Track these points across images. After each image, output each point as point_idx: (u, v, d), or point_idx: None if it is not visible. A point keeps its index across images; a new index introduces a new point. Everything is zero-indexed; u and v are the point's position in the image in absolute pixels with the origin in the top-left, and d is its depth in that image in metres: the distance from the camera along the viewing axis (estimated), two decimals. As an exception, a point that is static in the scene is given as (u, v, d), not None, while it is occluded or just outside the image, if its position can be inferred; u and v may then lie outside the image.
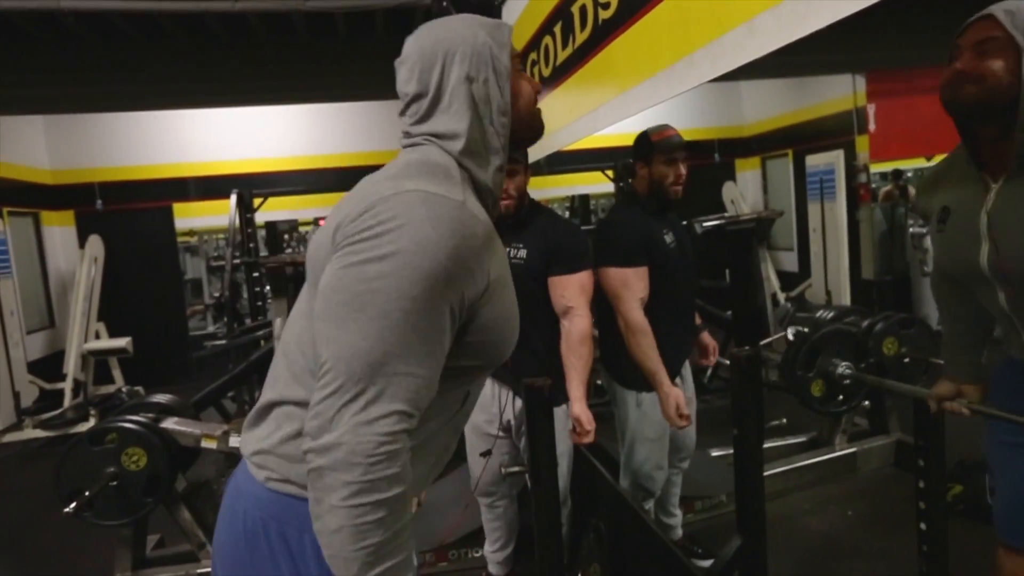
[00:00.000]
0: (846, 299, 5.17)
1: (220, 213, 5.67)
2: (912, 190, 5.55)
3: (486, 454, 1.95)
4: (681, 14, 1.31)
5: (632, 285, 1.91)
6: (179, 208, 6.37)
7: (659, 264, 1.96)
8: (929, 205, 1.32)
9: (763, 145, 7.10)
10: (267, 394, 0.84)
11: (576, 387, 1.80)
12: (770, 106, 6.86)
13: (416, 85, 0.82)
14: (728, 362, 1.87)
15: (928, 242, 5.05)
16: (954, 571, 1.72)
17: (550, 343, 1.87)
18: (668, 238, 2.00)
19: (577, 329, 1.81)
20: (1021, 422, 1.26)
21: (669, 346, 1.95)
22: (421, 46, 0.82)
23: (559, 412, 1.85)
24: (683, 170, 2.00)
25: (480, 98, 0.81)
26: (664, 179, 1.98)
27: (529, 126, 0.89)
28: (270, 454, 0.80)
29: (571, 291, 1.83)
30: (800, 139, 6.40)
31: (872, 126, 5.33)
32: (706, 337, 2.28)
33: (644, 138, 2.02)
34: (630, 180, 2.19)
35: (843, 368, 2.54)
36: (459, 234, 0.71)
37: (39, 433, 4.46)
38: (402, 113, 0.86)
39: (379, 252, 0.69)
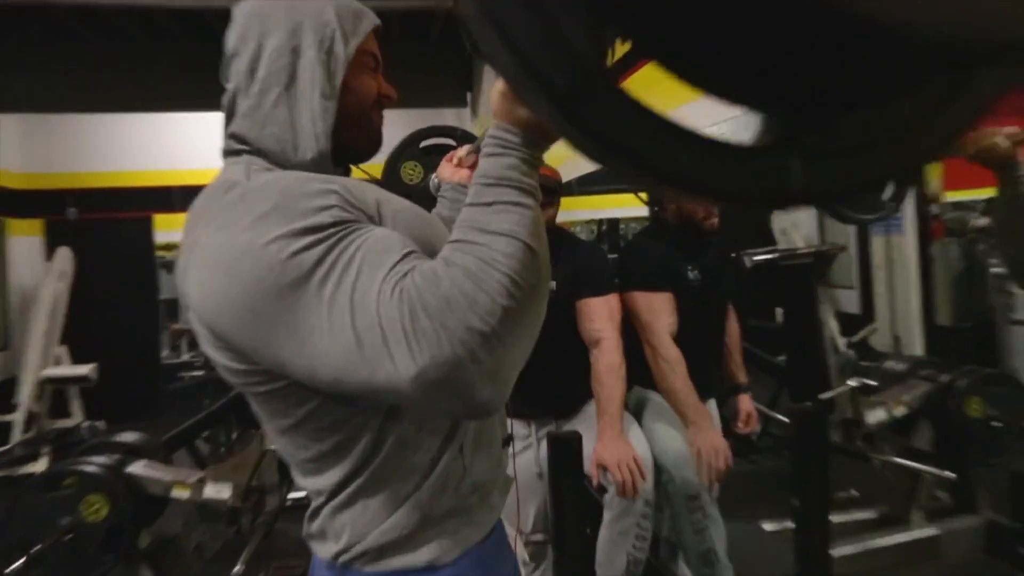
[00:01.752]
0: (917, 347, 5.07)
1: (205, 227, 5.73)
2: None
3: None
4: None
5: (659, 311, 2.00)
6: (160, 220, 6.46)
7: (679, 299, 2.04)
8: None
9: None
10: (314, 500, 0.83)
11: (606, 419, 1.84)
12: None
13: (235, 43, 0.82)
14: (783, 417, 1.84)
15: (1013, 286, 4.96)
16: None
17: (580, 371, 1.95)
18: (691, 274, 2.08)
19: (606, 361, 1.88)
20: None
21: None
22: (255, 3, 0.83)
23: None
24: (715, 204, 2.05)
25: (302, 75, 0.80)
26: (694, 214, 2.07)
27: (357, 128, 0.87)
28: (350, 550, 0.78)
29: (599, 316, 1.92)
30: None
31: (947, 150, 5.30)
32: (745, 401, 2.28)
33: None
34: (659, 212, 2.27)
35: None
36: (259, 195, 0.70)
37: (-16, 471, 4.43)
38: (223, 74, 0.85)
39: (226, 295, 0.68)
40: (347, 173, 0.91)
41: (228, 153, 0.83)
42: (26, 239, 6.13)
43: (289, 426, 0.77)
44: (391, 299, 0.61)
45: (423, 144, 2.00)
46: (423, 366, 0.60)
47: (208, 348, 0.77)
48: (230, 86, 0.83)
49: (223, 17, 3.34)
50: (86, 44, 3.95)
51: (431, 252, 0.70)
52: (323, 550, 0.81)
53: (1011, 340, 5.01)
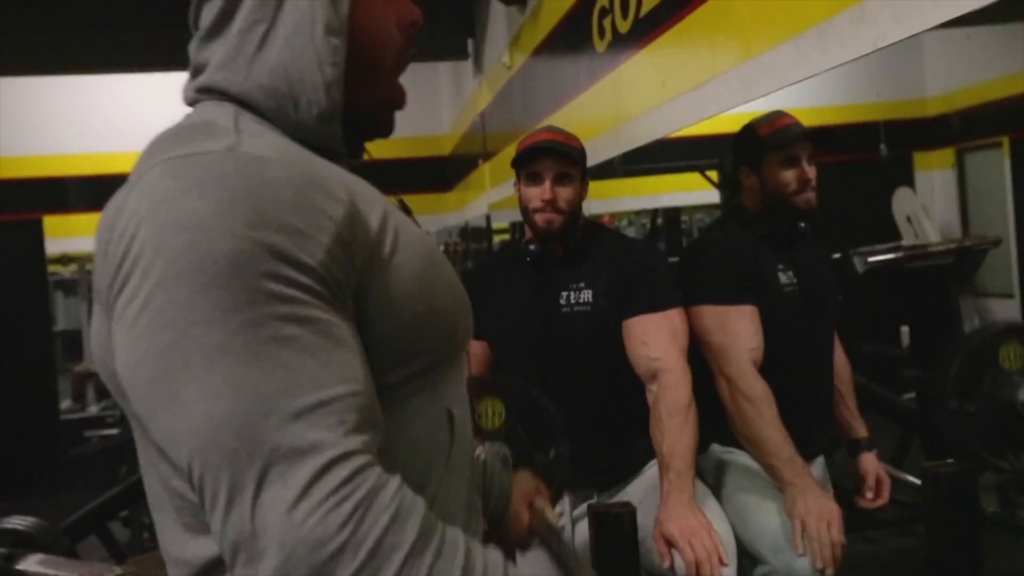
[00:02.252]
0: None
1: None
2: None
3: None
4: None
5: (737, 331, 1.97)
6: (52, 223, 6.53)
7: (771, 314, 2.01)
8: None
9: (960, 129, 7.06)
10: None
11: (673, 478, 1.80)
12: (971, 68, 6.83)
13: None
14: (916, 479, 1.84)
15: None
16: None
17: (632, 418, 1.94)
18: (784, 277, 2.06)
19: (670, 396, 1.85)
20: None
21: None
22: None
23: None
24: (810, 172, 2.05)
25: (294, 5, 0.80)
26: (784, 187, 2.04)
27: (372, 81, 0.87)
28: None
29: (657, 339, 1.90)
30: (1022, 120, 6.35)
31: None
32: (870, 462, 2.25)
33: (748, 133, 2.10)
34: (735, 199, 2.27)
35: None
36: (243, 187, 0.68)
37: None
38: (192, 23, 0.86)
39: (154, 276, 0.66)
40: (359, 154, 0.92)
41: (198, 99, 0.84)
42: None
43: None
44: (326, 471, 0.64)
45: None
46: (283, 564, 0.63)
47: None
48: (201, 27, 0.84)
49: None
50: None
51: (432, 309, 0.74)
52: None
53: None
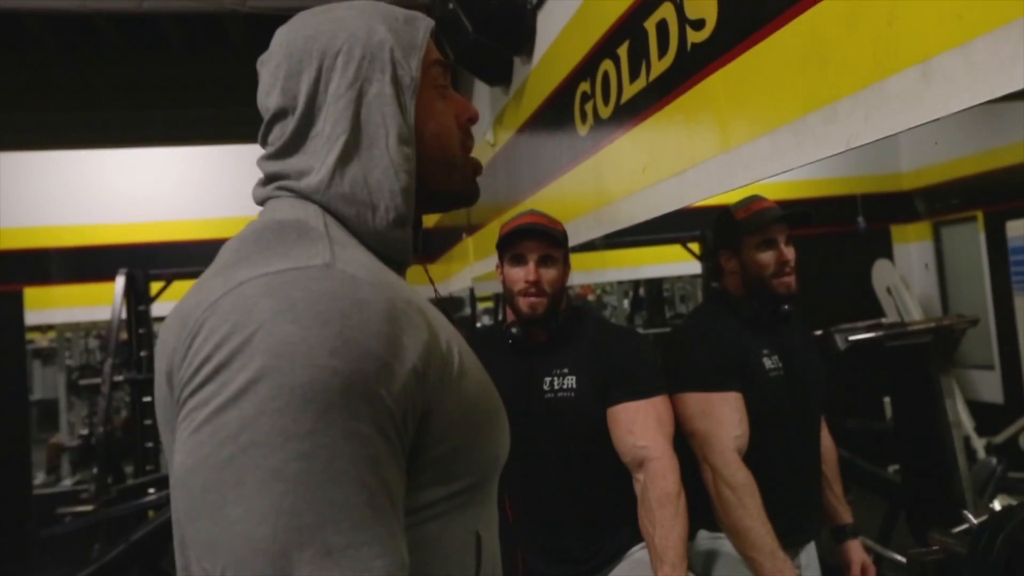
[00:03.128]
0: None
1: (96, 303, 5.83)
2: None
3: None
4: (818, 43, 1.38)
5: (722, 418, 1.95)
6: (32, 294, 6.52)
7: (756, 398, 2.01)
8: None
9: (936, 203, 7.19)
10: None
11: (666, 568, 1.78)
12: (945, 144, 6.98)
13: (279, 97, 0.85)
14: (901, 558, 1.83)
15: None
16: None
17: (617, 507, 1.92)
18: (769, 361, 2.06)
19: (659, 485, 1.84)
20: None
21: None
22: (291, 41, 0.86)
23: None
24: (788, 253, 2.07)
25: (370, 120, 0.83)
26: (763, 270, 2.06)
27: (443, 172, 0.90)
28: None
29: (643, 426, 1.88)
30: (995, 195, 6.47)
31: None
32: (854, 549, 2.24)
33: (726, 217, 2.15)
34: (715, 281, 2.28)
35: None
36: (339, 313, 0.70)
37: None
38: (262, 139, 0.89)
39: (231, 390, 0.67)
40: (419, 226, 0.94)
41: (273, 197, 0.87)
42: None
43: None
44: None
45: None
46: None
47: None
48: (273, 147, 0.87)
49: (118, 21, 3.43)
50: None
51: (482, 434, 0.77)
52: None
53: None
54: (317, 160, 0.83)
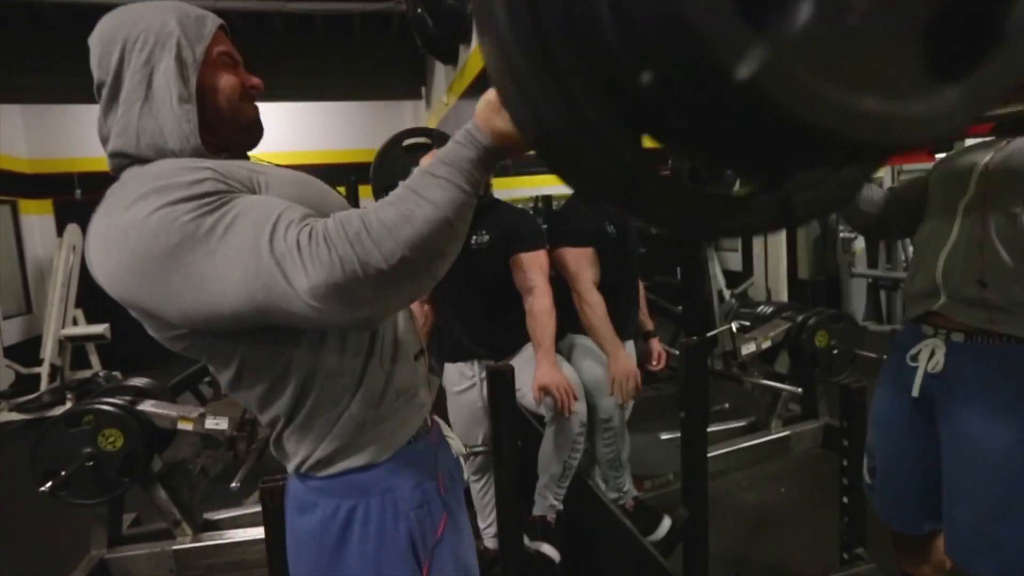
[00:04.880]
0: (784, 296, 5.32)
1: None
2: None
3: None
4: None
5: (583, 263, 1.95)
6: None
7: (602, 252, 2.00)
8: (946, 158, 1.37)
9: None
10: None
11: (542, 351, 1.82)
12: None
13: (98, 71, 0.76)
14: (678, 352, 1.90)
15: (855, 246, 5.24)
16: (870, 540, 1.79)
17: (516, 316, 1.91)
18: (610, 228, 2.04)
19: (539, 305, 1.85)
20: None
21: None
22: (103, 29, 0.76)
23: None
24: None
25: (158, 85, 0.74)
26: None
27: (233, 124, 0.80)
28: (308, 460, 0.80)
29: (531, 268, 1.87)
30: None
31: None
32: (654, 343, 2.29)
33: None
34: None
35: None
36: (140, 192, 0.65)
37: (15, 416, 4.27)
38: (97, 99, 0.79)
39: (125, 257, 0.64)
40: (245, 156, 0.85)
41: (116, 171, 0.77)
42: (37, 217, 5.78)
43: (232, 377, 0.76)
44: (281, 236, 0.60)
45: (406, 143, 1.94)
46: (315, 284, 0.59)
47: (141, 320, 0.73)
48: (100, 108, 0.77)
49: (211, 10, 3.18)
50: (74, 39, 3.69)
51: (315, 210, 0.67)
52: (287, 465, 0.83)
53: (851, 290, 5.32)
54: (124, 121, 0.74)
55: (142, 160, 0.74)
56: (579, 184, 0.49)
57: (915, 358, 1.30)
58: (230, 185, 0.67)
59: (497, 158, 0.66)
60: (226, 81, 0.79)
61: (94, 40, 0.76)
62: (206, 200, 0.63)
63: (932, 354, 1.27)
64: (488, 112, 0.64)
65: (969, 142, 1.37)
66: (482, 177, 0.66)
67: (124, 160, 0.76)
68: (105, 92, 0.75)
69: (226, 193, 0.65)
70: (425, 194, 0.63)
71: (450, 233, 0.63)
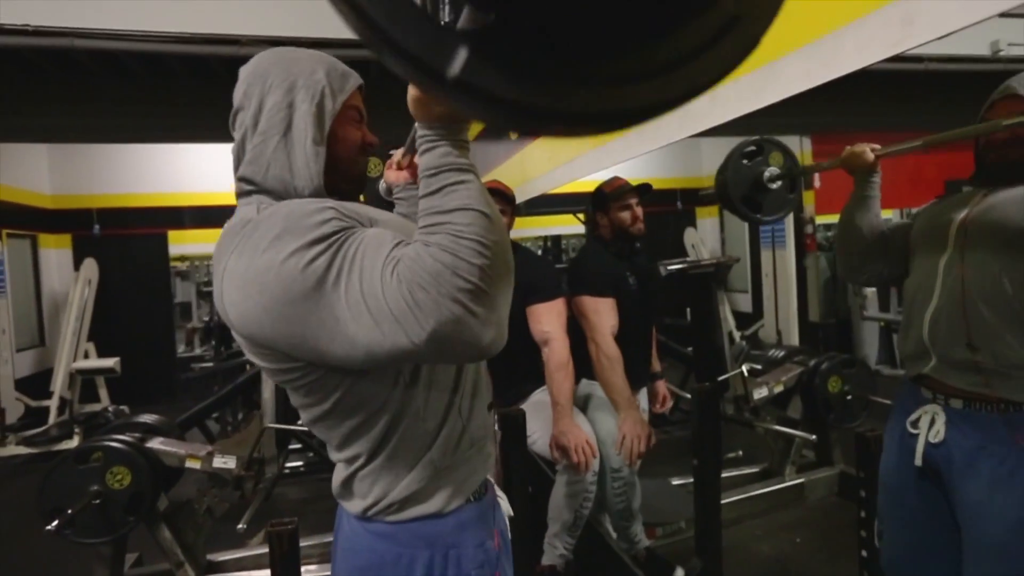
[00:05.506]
0: (795, 339, 5.28)
1: (213, 241, 5.55)
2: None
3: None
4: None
5: (603, 313, 1.94)
6: (173, 235, 6.25)
7: (621, 302, 1.99)
8: (926, 209, 1.38)
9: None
10: (339, 474, 0.84)
11: (560, 409, 1.79)
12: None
13: (241, 98, 0.80)
14: (689, 395, 1.88)
15: (866, 288, 5.22)
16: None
17: (528, 367, 1.90)
18: (631, 281, 2.04)
19: (556, 357, 1.83)
20: None
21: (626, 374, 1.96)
22: (258, 64, 0.81)
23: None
24: (639, 211, 2.05)
25: (296, 125, 0.79)
26: (624, 222, 2.04)
27: (346, 173, 0.85)
28: (377, 504, 0.80)
29: (548, 319, 1.86)
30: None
31: (817, 183, 5.54)
32: (660, 386, 2.28)
33: (599, 192, 2.10)
34: (595, 231, 2.23)
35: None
36: (276, 224, 0.69)
37: (22, 449, 4.26)
38: (231, 125, 0.84)
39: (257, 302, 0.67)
40: (356, 198, 0.90)
41: (240, 195, 0.82)
42: (55, 251, 5.89)
43: (323, 412, 0.77)
44: (391, 281, 0.62)
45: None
46: (431, 330, 0.61)
47: (251, 355, 0.76)
48: (237, 135, 0.81)
49: (225, 62, 3.27)
50: (104, 83, 3.84)
51: None
52: (352, 507, 0.82)
53: (862, 332, 5.28)
54: (257, 152, 0.79)
55: (266, 190, 0.79)
56: (414, 78, 0.42)
57: (916, 424, 1.27)
58: (349, 221, 0.70)
59: (462, 133, 0.68)
60: (351, 134, 0.85)
61: (247, 71, 0.81)
62: (333, 240, 0.66)
63: (932, 422, 1.24)
64: (420, 106, 0.68)
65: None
66: (467, 158, 0.68)
67: (249, 186, 0.80)
68: (245, 120, 0.80)
69: (348, 229, 0.69)
70: (446, 207, 0.65)
71: (488, 220, 0.66)
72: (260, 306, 0.67)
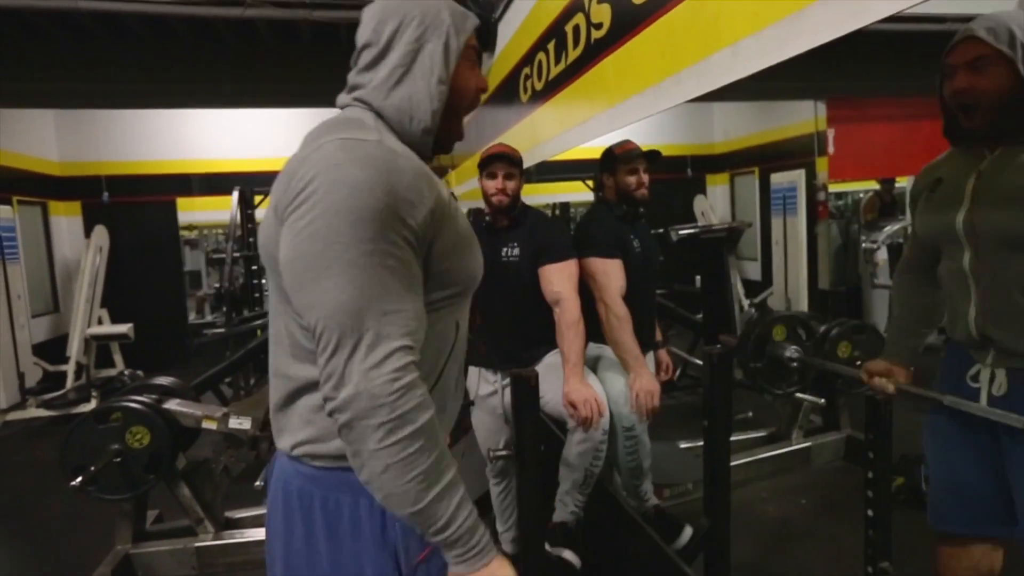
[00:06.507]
0: (804, 306, 5.26)
1: (221, 209, 5.58)
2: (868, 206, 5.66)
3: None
4: (670, 35, 1.32)
5: (612, 274, 1.94)
6: (182, 203, 6.26)
7: (627, 265, 1.99)
8: (925, 181, 1.35)
9: (732, 162, 7.19)
10: (279, 388, 0.82)
11: (570, 366, 1.81)
12: (739, 127, 6.95)
13: (369, 35, 0.82)
14: (699, 361, 1.88)
15: (878, 256, 5.16)
16: (895, 555, 1.76)
17: (541, 329, 1.90)
18: (636, 243, 2.04)
19: (567, 316, 1.84)
20: (938, 398, 1.30)
21: None
22: (386, 4, 0.83)
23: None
24: (645, 177, 2.03)
25: (422, 63, 0.81)
26: (628, 186, 2.03)
27: (453, 119, 0.86)
28: (309, 443, 0.79)
29: (559, 279, 1.86)
30: (766, 158, 6.49)
31: (831, 149, 5.43)
32: (663, 355, 2.29)
33: (608, 152, 2.09)
34: (600, 192, 2.22)
35: (791, 351, 2.61)
36: (385, 168, 0.71)
37: (42, 412, 4.37)
38: (353, 61, 0.85)
39: (320, 209, 0.68)
40: (431, 159, 0.90)
41: (343, 105, 0.84)
42: (66, 219, 5.92)
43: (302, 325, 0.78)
44: (382, 366, 0.67)
45: None
46: (350, 402, 0.67)
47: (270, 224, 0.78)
48: (358, 67, 0.84)
49: (232, 25, 3.21)
50: (107, 47, 3.78)
51: (464, 259, 0.80)
52: (283, 442, 0.83)
53: (873, 300, 5.24)
54: (382, 79, 0.82)
55: (378, 112, 0.81)
56: None
57: (975, 378, 1.26)
58: (424, 232, 0.74)
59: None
60: (466, 76, 0.86)
61: (373, 9, 0.83)
62: (398, 249, 0.70)
63: (993, 376, 1.23)
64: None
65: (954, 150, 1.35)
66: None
67: (362, 105, 0.83)
68: (370, 55, 0.82)
69: (414, 249, 0.73)
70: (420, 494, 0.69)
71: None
72: (320, 205, 0.68)
